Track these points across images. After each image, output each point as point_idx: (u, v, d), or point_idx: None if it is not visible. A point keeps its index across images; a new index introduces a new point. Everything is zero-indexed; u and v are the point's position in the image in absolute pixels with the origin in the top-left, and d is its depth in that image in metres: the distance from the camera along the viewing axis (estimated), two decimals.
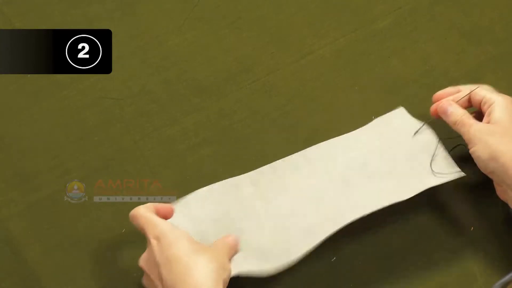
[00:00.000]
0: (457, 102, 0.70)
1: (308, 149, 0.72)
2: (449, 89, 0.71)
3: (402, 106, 0.76)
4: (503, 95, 0.68)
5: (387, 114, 0.74)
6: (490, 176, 0.66)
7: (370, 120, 0.74)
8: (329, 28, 0.82)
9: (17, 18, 0.81)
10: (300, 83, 0.79)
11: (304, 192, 0.69)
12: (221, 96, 0.78)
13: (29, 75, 0.78)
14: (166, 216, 0.66)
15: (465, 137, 0.67)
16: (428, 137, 0.71)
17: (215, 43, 0.81)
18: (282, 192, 0.70)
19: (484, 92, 0.68)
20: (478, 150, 0.65)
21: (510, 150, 0.63)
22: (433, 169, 0.69)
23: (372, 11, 0.82)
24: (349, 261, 0.69)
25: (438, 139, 0.71)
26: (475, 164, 0.67)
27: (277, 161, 0.70)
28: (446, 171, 0.69)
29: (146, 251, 0.63)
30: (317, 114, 0.77)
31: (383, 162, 0.70)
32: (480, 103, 0.69)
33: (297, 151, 0.71)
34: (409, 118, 0.73)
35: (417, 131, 0.71)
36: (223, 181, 0.69)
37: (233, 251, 0.65)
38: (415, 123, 0.72)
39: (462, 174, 0.68)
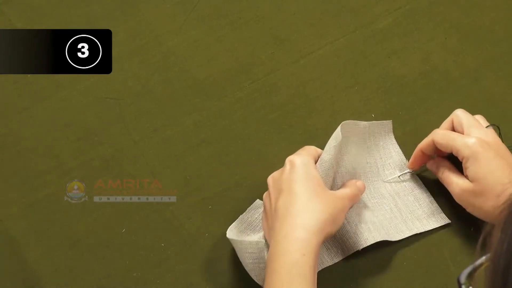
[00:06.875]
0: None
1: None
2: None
3: (402, 106, 0.76)
4: (475, 138, 0.65)
5: (375, 126, 0.73)
6: None
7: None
8: (329, 28, 0.81)
9: (17, 18, 0.81)
10: (300, 83, 0.79)
11: None
12: (221, 96, 0.78)
13: (29, 75, 0.78)
14: None
15: (453, 195, 0.68)
16: (414, 181, 0.73)
17: (215, 43, 0.81)
18: None
19: (455, 142, 0.66)
20: (472, 212, 0.67)
21: (494, 207, 0.63)
22: (418, 213, 0.71)
23: (372, 11, 0.82)
24: (348, 260, 0.69)
25: (423, 186, 0.72)
26: None
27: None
28: (432, 217, 0.71)
29: (279, 171, 0.65)
30: (317, 114, 0.77)
31: (370, 194, 0.72)
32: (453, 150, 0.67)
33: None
34: (395, 147, 0.74)
35: (401, 174, 0.73)
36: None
37: (357, 198, 0.67)
38: (401, 158, 0.73)
39: (448, 221, 0.70)
